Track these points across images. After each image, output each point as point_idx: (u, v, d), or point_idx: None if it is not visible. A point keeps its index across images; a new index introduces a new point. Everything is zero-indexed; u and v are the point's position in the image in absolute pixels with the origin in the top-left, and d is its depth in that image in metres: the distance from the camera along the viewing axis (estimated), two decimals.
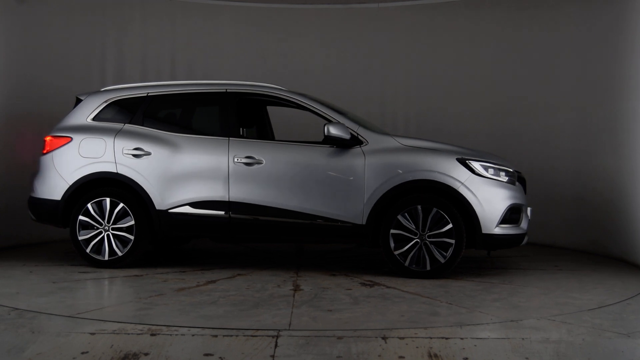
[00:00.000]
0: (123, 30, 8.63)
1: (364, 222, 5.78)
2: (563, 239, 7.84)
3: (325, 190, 5.83)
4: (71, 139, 6.30)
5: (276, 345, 3.76)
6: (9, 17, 7.54)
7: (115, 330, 4.02)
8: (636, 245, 6.59)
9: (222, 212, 5.97)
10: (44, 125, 7.85)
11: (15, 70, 7.60)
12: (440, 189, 5.72)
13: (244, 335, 3.93)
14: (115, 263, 6.15)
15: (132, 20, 8.69)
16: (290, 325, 4.17)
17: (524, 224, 5.92)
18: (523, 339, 3.94)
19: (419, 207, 5.70)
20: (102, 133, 6.26)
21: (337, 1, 9.05)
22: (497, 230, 5.70)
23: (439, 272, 5.72)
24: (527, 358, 3.60)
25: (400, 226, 5.73)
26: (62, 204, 6.24)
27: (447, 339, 3.91)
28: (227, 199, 5.96)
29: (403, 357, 3.60)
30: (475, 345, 3.80)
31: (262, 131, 7.26)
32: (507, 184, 5.80)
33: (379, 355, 3.63)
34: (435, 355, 3.62)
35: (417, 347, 3.75)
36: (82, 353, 3.61)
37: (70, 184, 6.22)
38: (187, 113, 6.63)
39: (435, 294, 5.20)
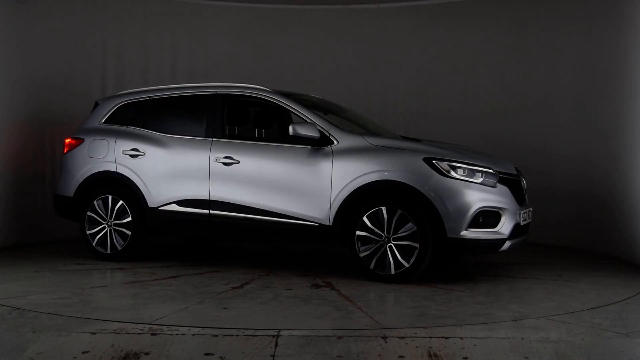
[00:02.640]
0: (123, 30, 8.62)
1: (331, 223, 5.68)
2: (564, 239, 7.84)
3: (295, 190, 5.79)
4: (83, 140, 6.76)
5: (276, 345, 3.78)
6: (9, 17, 7.53)
7: (116, 330, 4.04)
8: (636, 245, 6.60)
9: (204, 210, 6.13)
10: (46, 127, 7.89)
11: (15, 71, 7.58)
12: (405, 190, 5.49)
13: (245, 335, 3.95)
14: (116, 256, 6.52)
15: (133, 20, 8.68)
16: (158, 320, 4.25)
17: (504, 229, 5.49)
18: (523, 338, 3.95)
19: (384, 208, 5.51)
20: (107, 135, 6.68)
21: (337, 2, 9.06)
22: (466, 234, 5.36)
23: (404, 276, 5.46)
24: (526, 357, 3.61)
25: (366, 228, 5.57)
26: (74, 200, 6.69)
27: (446, 338, 3.93)
28: (207, 198, 6.10)
29: (403, 357, 3.61)
30: (474, 345, 3.81)
31: (284, 132, 7.30)
32: (480, 186, 5.44)
33: (379, 355, 3.64)
34: (435, 355, 3.63)
35: (416, 347, 3.77)
36: (83, 352, 3.63)
37: (80, 181, 6.67)
38: (181, 115, 6.78)
39: (366, 298, 5.02)
